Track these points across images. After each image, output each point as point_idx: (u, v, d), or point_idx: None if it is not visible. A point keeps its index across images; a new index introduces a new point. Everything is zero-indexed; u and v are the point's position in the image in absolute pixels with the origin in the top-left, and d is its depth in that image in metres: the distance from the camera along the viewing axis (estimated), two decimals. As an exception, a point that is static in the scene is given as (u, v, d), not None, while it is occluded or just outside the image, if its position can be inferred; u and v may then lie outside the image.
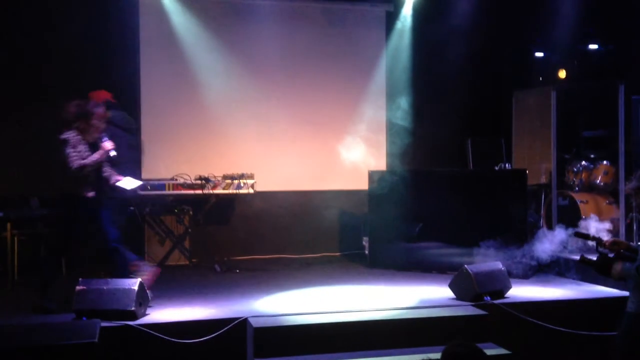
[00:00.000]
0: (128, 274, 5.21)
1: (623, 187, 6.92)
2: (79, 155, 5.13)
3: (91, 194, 5.22)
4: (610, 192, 7.60)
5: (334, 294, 5.80)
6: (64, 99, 7.35)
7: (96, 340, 4.22)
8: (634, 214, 6.81)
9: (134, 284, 4.92)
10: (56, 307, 5.10)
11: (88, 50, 7.37)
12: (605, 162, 7.68)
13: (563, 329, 5.35)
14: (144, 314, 4.94)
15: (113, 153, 5.24)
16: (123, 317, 4.74)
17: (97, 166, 5.25)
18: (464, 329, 4.97)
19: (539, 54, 8.74)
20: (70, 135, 5.18)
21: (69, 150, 5.12)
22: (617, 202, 7.22)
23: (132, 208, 7.03)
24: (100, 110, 5.32)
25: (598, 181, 7.66)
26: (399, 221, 7.19)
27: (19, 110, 7.33)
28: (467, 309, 5.22)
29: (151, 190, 7.17)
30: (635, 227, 6.75)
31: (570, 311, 5.57)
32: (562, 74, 8.56)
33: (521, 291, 5.83)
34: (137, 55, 7.81)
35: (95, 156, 5.21)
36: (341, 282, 6.27)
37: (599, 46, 8.47)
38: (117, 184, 5.37)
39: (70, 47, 7.37)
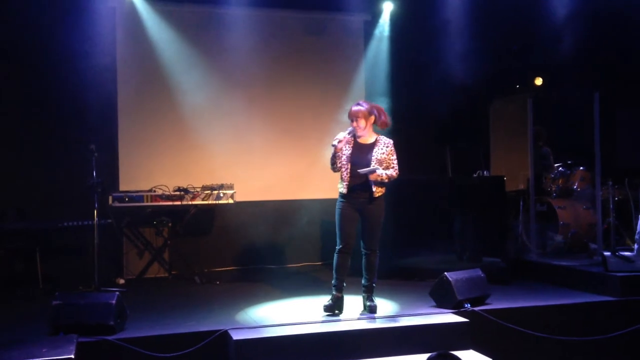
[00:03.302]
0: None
1: (600, 193, 7.01)
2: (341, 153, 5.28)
3: (343, 190, 5.26)
4: (587, 197, 7.69)
5: (315, 304, 5.76)
6: (39, 111, 7.38)
7: (73, 356, 4.15)
8: (611, 219, 6.89)
9: (112, 298, 4.86)
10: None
11: (63, 60, 7.28)
12: (581, 168, 7.78)
13: (544, 335, 5.39)
14: (123, 328, 4.88)
15: (334, 143, 5.21)
16: (101, 331, 4.68)
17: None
18: (445, 337, 4.99)
19: (516, 62, 8.83)
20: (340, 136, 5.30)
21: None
22: (594, 207, 7.31)
23: (109, 220, 6.95)
24: (352, 108, 5.37)
25: (575, 187, 7.75)
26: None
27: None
28: (447, 317, 5.23)
29: (129, 202, 7.11)
30: (612, 232, 6.82)
31: (550, 317, 5.61)
32: (538, 81, 8.65)
33: (501, 297, 5.85)
34: (114, 67, 7.75)
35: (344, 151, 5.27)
36: (323, 291, 6.22)
37: (575, 53, 8.57)
38: (360, 170, 5.22)
39: (45, 60, 7.30)
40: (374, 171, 5.17)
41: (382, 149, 5.32)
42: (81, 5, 7.33)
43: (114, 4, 7.73)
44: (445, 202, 7.29)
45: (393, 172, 5.28)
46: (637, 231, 4.68)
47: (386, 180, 5.25)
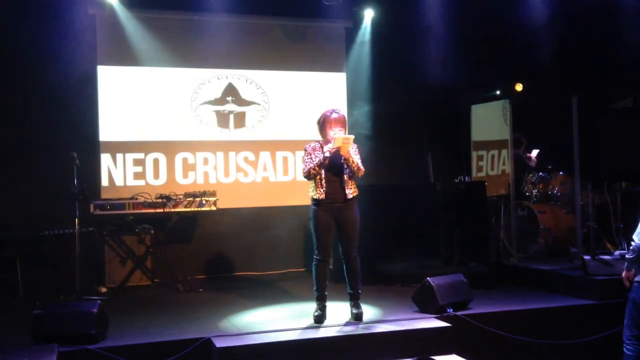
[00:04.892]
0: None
1: (579, 198, 7.09)
2: (311, 160, 5.23)
3: (320, 196, 5.21)
4: (567, 202, 7.77)
5: (299, 311, 5.77)
6: (18, 118, 7.32)
7: (54, 365, 4.12)
8: (591, 224, 6.96)
9: (93, 306, 4.82)
10: None
11: (43, 68, 7.22)
12: (561, 172, 7.86)
13: (526, 339, 5.43)
14: (104, 337, 4.84)
15: (326, 155, 5.18)
16: (82, 341, 4.64)
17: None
18: (427, 342, 5.01)
19: (496, 67, 8.92)
20: (308, 145, 5.35)
21: (304, 157, 5.30)
22: (574, 211, 7.38)
23: (91, 228, 6.90)
24: (326, 113, 5.36)
25: (555, 191, 7.83)
26: (362, 235, 7.20)
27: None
28: (430, 322, 5.25)
29: (111, 210, 7.06)
30: (592, 236, 6.89)
31: (531, 320, 5.66)
32: (518, 87, 8.74)
33: (483, 302, 5.89)
34: (95, 73, 7.71)
35: (315, 160, 5.20)
36: (306, 298, 6.24)
37: (554, 58, 8.67)
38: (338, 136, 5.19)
39: (25, 67, 7.25)
40: (350, 137, 5.15)
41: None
42: (61, 12, 7.29)
43: (95, 11, 7.68)
44: (427, 208, 7.32)
45: (360, 165, 5.29)
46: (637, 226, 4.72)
47: (355, 168, 5.23)
